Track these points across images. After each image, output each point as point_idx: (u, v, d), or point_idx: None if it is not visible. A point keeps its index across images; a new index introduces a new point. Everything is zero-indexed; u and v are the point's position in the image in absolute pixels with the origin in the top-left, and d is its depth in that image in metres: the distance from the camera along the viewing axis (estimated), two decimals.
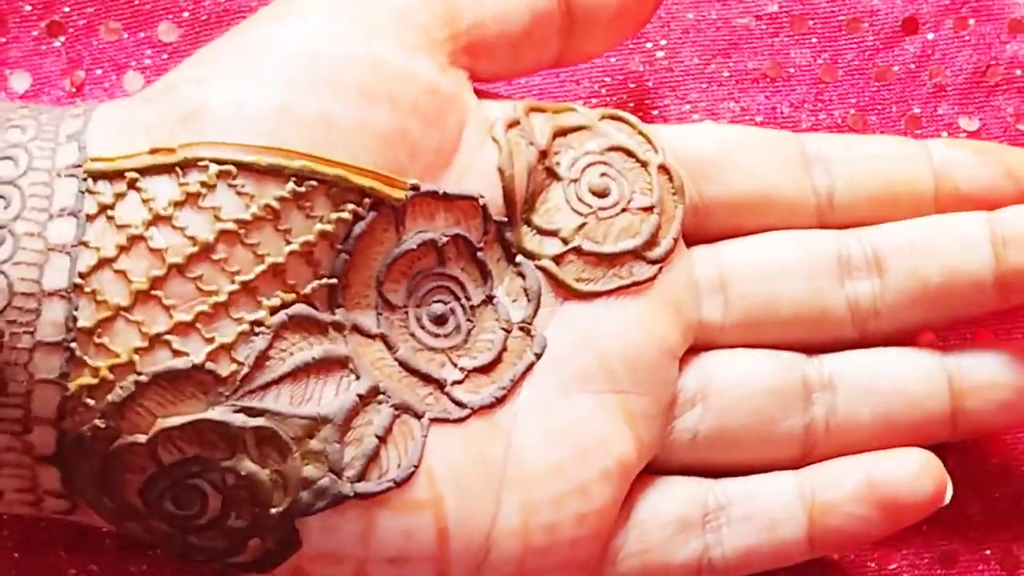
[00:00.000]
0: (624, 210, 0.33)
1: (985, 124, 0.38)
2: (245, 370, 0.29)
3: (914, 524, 0.33)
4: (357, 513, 0.30)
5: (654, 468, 0.33)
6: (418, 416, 0.31)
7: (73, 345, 0.28)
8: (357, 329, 0.31)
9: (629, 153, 0.33)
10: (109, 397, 0.28)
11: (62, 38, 0.38)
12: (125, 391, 0.28)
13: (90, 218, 0.28)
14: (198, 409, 0.29)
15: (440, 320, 0.32)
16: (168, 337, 0.28)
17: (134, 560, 0.35)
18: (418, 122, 0.31)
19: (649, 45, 0.39)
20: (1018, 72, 0.39)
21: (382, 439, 0.30)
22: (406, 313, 0.31)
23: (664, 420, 0.33)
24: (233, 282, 0.29)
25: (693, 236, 0.34)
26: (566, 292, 0.32)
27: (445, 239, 0.31)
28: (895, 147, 0.35)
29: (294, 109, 0.29)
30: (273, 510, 0.29)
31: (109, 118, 0.30)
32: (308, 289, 0.30)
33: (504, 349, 0.32)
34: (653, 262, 0.33)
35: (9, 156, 0.29)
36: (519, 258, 0.32)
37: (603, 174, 0.33)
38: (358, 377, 0.30)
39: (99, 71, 0.38)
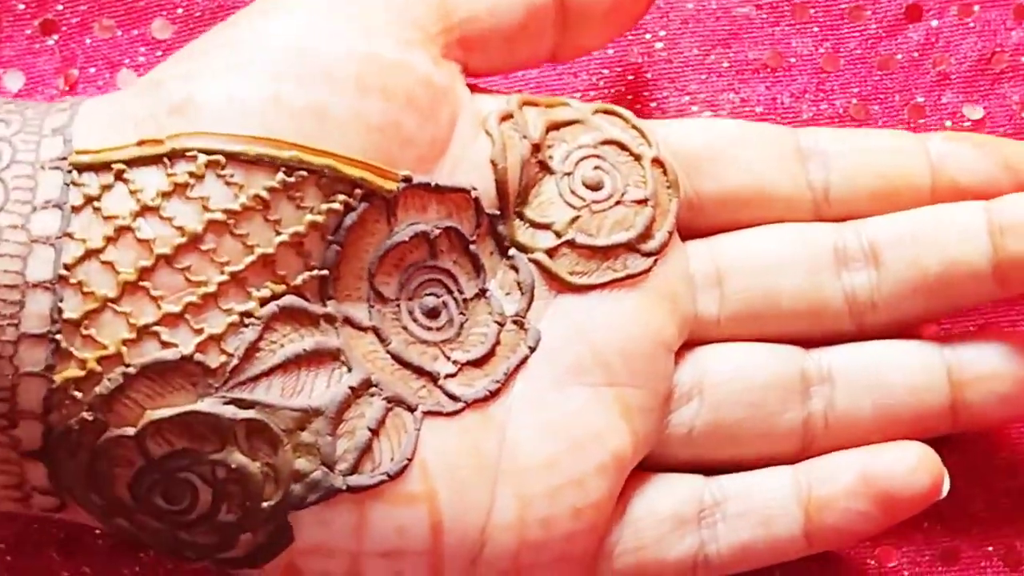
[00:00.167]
0: (618, 203, 0.33)
1: (990, 112, 0.38)
2: (235, 361, 0.29)
3: (915, 520, 0.33)
4: (350, 507, 0.29)
5: (650, 464, 0.33)
6: (411, 409, 0.30)
7: (59, 337, 0.28)
8: (349, 321, 0.30)
9: (623, 147, 0.33)
10: (96, 389, 0.28)
11: (55, 36, 0.38)
12: (113, 383, 0.28)
13: (75, 210, 0.28)
14: (187, 401, 0.28)
15: (432, 313, 0.31)
16: (156, 328, 0.28)
17: (127, 562, 0.34)
18: (411, 114, 0.30)
19: (648, 36, 0.39)
20: None
21: (375, 432, 0.30)
22: (398, 306, 0.31)
23: (660, 414, 0.33)
24: (222, 273, 0.29)
25: (688, 231, 0.34)
26: (560, 285, 0.32)
27: (437, 231, 0.31)
28: (892, 141, 0.35)
29: (286, 100, 0.29)
30: (264, 504, 0.29)
31: (97, 112, 0.30)
32: (299, 280, 0.30)
33: (497, 342, 0.32)
34: (647, 255, 0.33)
35: None
36: (512, 251, 0.32)
37: (596, 167, 0.33)
38: (350, 369, 0.30)
39: (93, 69, 0.38)
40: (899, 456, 0.32)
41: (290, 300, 0.29)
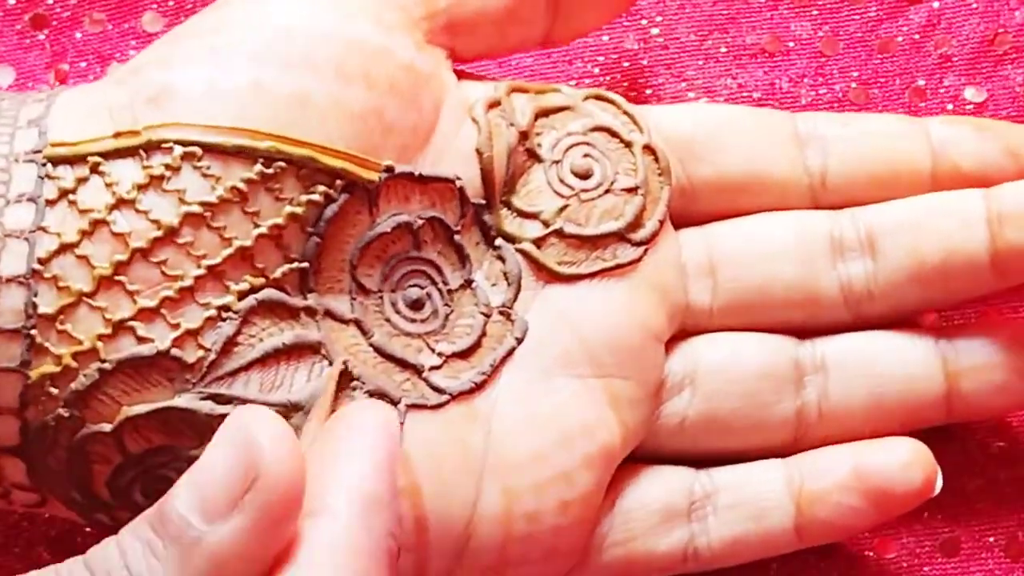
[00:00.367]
0: (607, 191, 0.32)
1: (993, 95, 0.37)
2: (212, 356, 0.28)
3: (915, 510, 0.32)
4: None
5: (641, 455, 0.33)
6: (394, 402, 0.30)
7: (33, 332, 0.27)
8: (330, 314, 0.30)
9: (613, 133, 0.33)
10: (72, 385, 0.28)
11: (46, 31, 0.38)
12: (89, 379, 0.28)
13: (50, 203, 0.28)
14: (164, 397, 0.28)
15: (416, 305, 0.31)
16: (132, 323, 0.28)
17: None
18: (394, 101, 0.30)
19: (644, 22, 0.38)
20: None
21: None
22: (381, 298, 0.31)
23: (650, 405, 0.32)
24: (199, 266, 0.28)
25: (682, 218, 0.33)
26: (548, 275, 0.32)
27: (421, 222, 0.31)
28: (892, 125, 0.34)
29: (266, 86, 0.29)
30: None
31: (74, 102, 0.29)
32: (278, 273, 0.29)
33: (484, 334, 0.31)
34: (638, 244, 0.32)
35: None
36: (499, 241, 0.32)
37: (586, 155, 0.32)
38: (331, 363, 0.29)
39: (83, 63, 0.38)
40: (892, 451, 0.32)
41: (269, 293, 0.29)
